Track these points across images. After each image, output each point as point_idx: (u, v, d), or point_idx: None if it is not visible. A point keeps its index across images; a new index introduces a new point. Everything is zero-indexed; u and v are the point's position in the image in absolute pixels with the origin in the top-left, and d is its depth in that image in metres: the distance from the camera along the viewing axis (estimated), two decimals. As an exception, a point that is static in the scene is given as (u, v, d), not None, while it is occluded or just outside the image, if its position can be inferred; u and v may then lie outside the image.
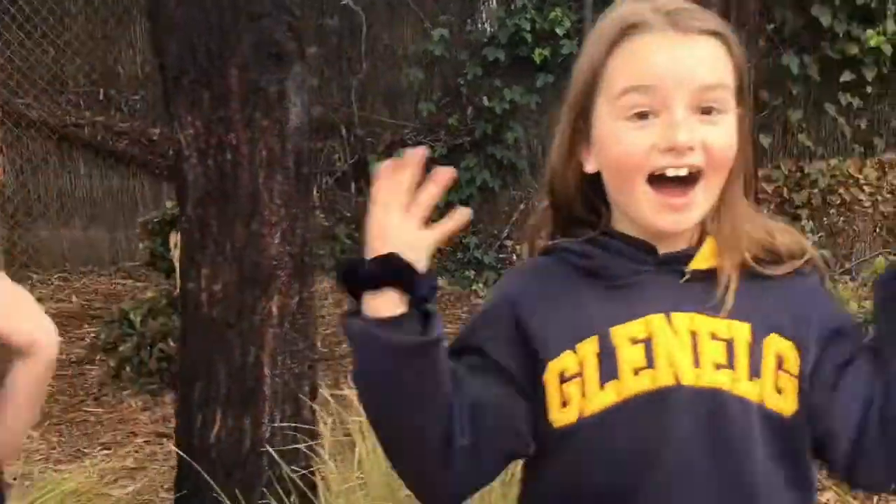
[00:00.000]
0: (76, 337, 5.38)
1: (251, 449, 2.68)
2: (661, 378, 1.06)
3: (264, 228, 2.55)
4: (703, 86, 1.05)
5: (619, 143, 1.06)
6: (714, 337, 1.08)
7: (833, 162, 6.69)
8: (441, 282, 6.50)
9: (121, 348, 4.28)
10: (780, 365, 1.08)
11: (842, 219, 6.81)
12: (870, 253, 6.75)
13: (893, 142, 6.72)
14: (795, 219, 6.75)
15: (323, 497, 2.69)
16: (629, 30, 1.06)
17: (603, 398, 1.06)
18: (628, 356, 1.06)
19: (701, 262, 1.11)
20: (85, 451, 3.98)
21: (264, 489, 2.74)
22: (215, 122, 2.46)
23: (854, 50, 6.19)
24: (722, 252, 1.11)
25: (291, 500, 2.71)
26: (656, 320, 1.08)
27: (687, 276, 1.10)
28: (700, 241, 1.12)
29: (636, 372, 1.06)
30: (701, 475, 1.06)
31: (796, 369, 1.09)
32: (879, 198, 6.75)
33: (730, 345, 1.07)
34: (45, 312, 1.31)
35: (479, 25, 6.36)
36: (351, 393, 3.08)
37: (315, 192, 6.67)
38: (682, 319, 1.08)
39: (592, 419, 1.06)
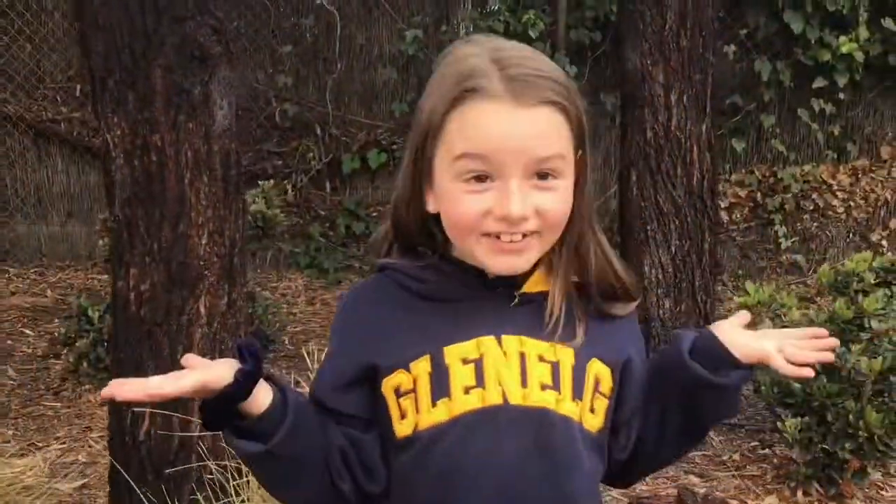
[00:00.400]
0: (45, 331, 5.42)
1: (180, 447, 2.71)
2: (490, 397, 1.11)
3: (191, 230, 2.57)
4: (538, 158, 1.08)
5: (456, 205, 1.09)
6: (541, 359, 1.13)
7: (806, 167, 6.70)
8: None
9: (78, 344, 4.31)
10: (596, 387, 1.15)
11: (815, 224, 6.82)
12: (843, 259, 6.77)
13: (866, 148, 6.73)
14: (768, 224, 6.78)
15: (254, 493, 2.72)
16: (468, 93, 1.07)
17: (435, 415, 1.11)
18: (459, 375, 1.11)
19: (531, 286, 1.16)
20: (39, 444, 4.01)
21: (193, 486, 2.77)
22: (141, 123, 2.49)
23: (826, 56, 6.20)
24: (554, 279, 1.16)
25: (220, 497, 2.74)
26: (487, 341, 1.12)
27: (516, 301, 1.14)
28: (535, 267, 1.16)
29: (466, 391, 1.10)
30: (531, 490, 1.11)
31: (609, 391, 1.17)
32: (852, 203, 6.76)
33: (556, 367, 1.13)
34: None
35: (454, 27, 6.37)
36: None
37: (290, 190, 6.70)
38: (511, 341, 1.13)
39: (427, 433, 1.11)
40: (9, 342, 5.27)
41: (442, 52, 1.15)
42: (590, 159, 1.18)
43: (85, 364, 4.36)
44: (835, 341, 1.20)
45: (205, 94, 2.52)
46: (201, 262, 2.60)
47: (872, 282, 3.60)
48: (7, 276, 6.63)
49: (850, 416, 3.24)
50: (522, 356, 1.12)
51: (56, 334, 5.11)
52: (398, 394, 1.13)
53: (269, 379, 1.12)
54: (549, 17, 6.33)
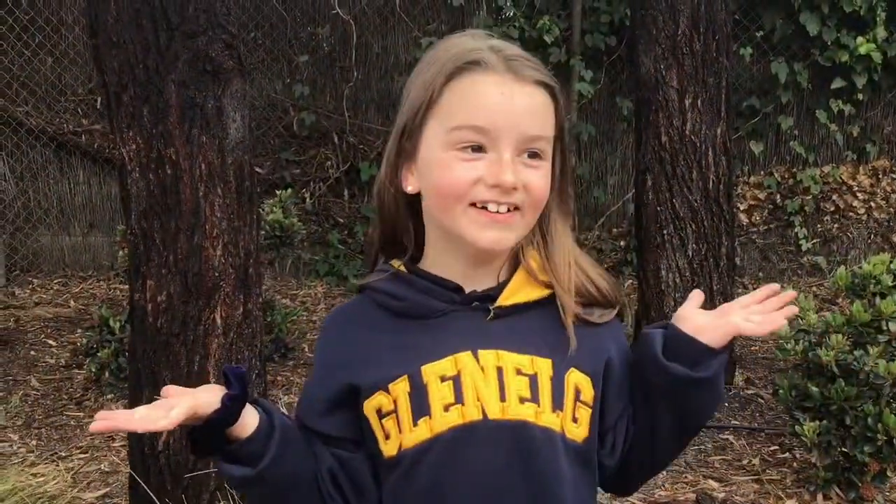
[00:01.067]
0: (68, 342, 5.48)
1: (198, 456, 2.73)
2: (469, 413, 1.12)
3: (206, 241, 2.60)
4: (530, 136, 1.11)
5: (449, 172, 1.11)
6: (519, 372, 1.13)
7: (826, 169, 6.66)
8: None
9: (99, 354, 4.36)
10: (577, 397, 1.15)
11: (836, 226, 6.78)
12: (864, 260, 6.72)
13: (886, 148, 6.68)
14: (789, 226, 6.74)
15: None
16: (469, 66, 1.11)
17: (417, 434, 1.12)
18: (438, 393, 1.12)
19: (507, 297, 1.17)
20: (62, 454, 4.06)
21: (212, 494, 2.80)
22: (155, 137, 2.52)
23: (844, 57, 6.16)
24: (559, 290, 1.18)
25: (239, 505, 2.77)
26: (464, 357, 1.13)
27: (492, 314, 1.16)
28: (509, 278, 1.18)
29: (446, 408, 1.12)
30: (516, 502, 1.12)
31: (591, 400, 1.17)
32: (873, 204, 6.71)
33: (533, 379, 1.13)
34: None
35: (469, 34, 6.39)
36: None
37: (308, 198, 6.75)
38: (488, 356, 1.14)
39: (411, 451, 1.13)
40: (32, 353, 5.34)
41: (430, 46, 1.19)
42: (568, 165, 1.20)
43: (107, 374, 4.41)
44: (792, 293, 1.20)
45: (218, 107, 2.56)
46: (216, 273, 2.63)
47: (890, 284, 3.57)
48: (31, 286, 6.72)
49: (869, 420, 3.22)
50: (500, 370, 1.13)
51: (78, 344, 5.18)
52: (380, 415, 1.15)
53: (255, 403, 1.13)
54: (564, 23, 6.34)
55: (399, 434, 1.13)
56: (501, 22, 6.31)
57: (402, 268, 1.19)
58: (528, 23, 6.30)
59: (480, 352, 1.14)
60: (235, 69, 2.56)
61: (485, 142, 1.10)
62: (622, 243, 6.71)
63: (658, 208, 4.57)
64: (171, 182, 2.55)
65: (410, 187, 1.17)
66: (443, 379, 1.12)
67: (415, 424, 1.12)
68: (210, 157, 2.56)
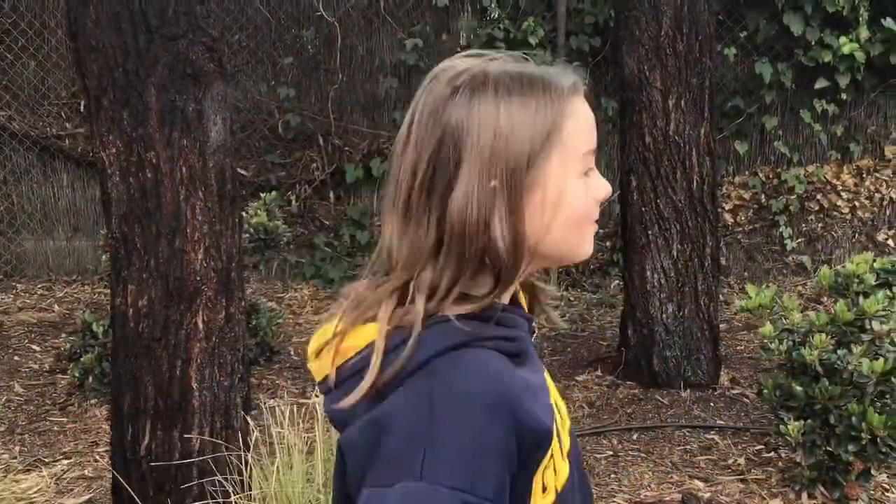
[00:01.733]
0: (52, 347, 5.45)
1: (181, 461, 2.72)
2: (565, 428, 1.10)
3: (187, 245, 2.59)
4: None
5: (583, 199, 1.04)
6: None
7: (810, 168, 6.69)
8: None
9: (83, 358, 4.33)
10: None
11: (820, 225, 6.81)
12: (848, 260, 6.76)
13: (870, 148, 6.71)
14: (773, 226, 6.77)
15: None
16: (574, 90, 1.03)
17: (564, 467, 1.06)
18: (558, 419, 1.06)
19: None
20: (45, 460, 4.03)
21: (195, 500, 2.79)
22: (135, 140, 2.51)
23: (827, 57, 6.19)
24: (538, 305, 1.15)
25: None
26: (550, 384, 1.09)
27: (535, 333, 1.13)
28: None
29: (559, 435, 1.06)
30: None
31: None
32: (857, 204, 6.74)
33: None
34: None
35: (454, 35, 6.39)
36: (285, 404, 3.14)
37: (294, 200, 6.73)
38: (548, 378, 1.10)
39: (562, 493, 1.04)
40: (16, 358, 5.31)
41: (477, 79, 0.99)
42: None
43: (90, 379, 4.38)
44: None
45: (198, 111, 2.54)
46: (198, 277, 2.62)
47: (873, 283, 3.59)
48: (14, 291, 6.68)
49: (853, 418, 3.23)
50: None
51: (62, 349, 5.15)
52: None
53: None
54: (549, 24, 6.34)
55: (554, 476, 1.03)
56: (486, 23, 6.31)
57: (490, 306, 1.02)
58: (512, 24, 6.31)
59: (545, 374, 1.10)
60: (216, 72, 2.55)
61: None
62: (608, 244, 6.72)
63: (643, 209, 4.58)
64: (151, 186, 2.54)
65: (538, 223, 1.01)
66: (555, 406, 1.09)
67: (563, 458, 1.06)
68: (191, 160, 2.54)
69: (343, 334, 0.97)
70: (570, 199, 1.02)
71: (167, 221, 2.56)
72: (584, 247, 1.06)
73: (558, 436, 1.03)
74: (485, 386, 0.90)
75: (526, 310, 1.11)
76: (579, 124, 1.02)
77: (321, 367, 1.00)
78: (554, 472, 1.02)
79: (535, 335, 1.12)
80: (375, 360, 0.92)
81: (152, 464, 2.71)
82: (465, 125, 0.96)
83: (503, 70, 1.00)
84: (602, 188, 1.05)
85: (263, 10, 6.53)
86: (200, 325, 2.65)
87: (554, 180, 1.00)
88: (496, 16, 6.28)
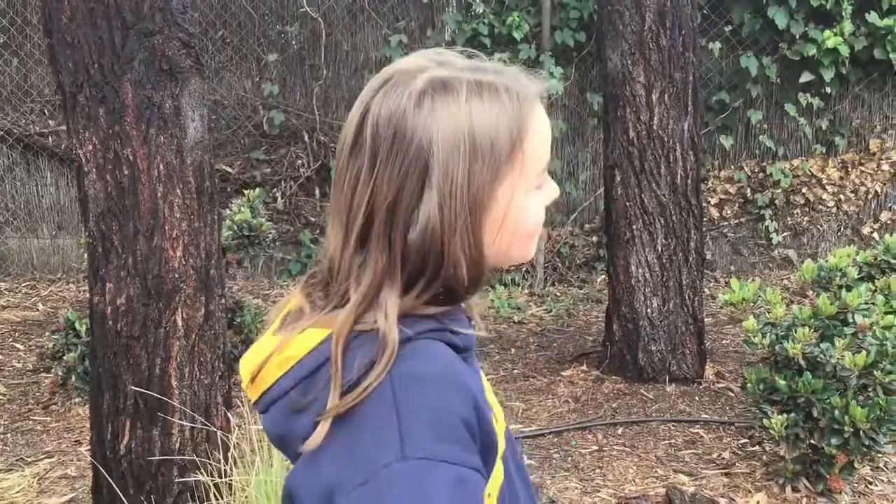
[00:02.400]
0: (36, 345, 5.42)
1: (161, 459, 2.70)
2: (501, 431, 1.05)
3: (166, 242, 2.57)
4: None
5: (537, 212, 1.03)
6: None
7: (795, 162, 6.70)
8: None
9: (66, 357, 4.31)
10: None
11: (806, 219, 6.82)
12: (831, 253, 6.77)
13: (855, 141, 6.73)
14: (759, 219, 6.78)
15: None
16: (537, 103, 1.00)
17: (498, 468, 1.01)
18: (493, 421, 1.01)
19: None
20: (28, 459, 4.00)
21: (175, 499, 2.77)
22: (112, 137, 2.48)
23: (812, 51, 6.20)
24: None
25: (203, 509, 2.74)
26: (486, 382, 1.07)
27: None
28: None
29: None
30: None
31: None
32: (843, 197, 6.76)
33: None
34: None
35: (439, 30, 6.37)
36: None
37: (280, 197, 6.70)
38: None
39: (499, 496, 1.00)
40: (0, 357, 5.27)
41: (438, 84, 0.95)
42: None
43: (73, 378, 4.35)
44: None
45: (176, 107, 2.52)
46: (177, 275, 2.60)
47: (856, 277, 3.60)
48: (-1, 290, 6.64)
49: (836, 412, 3.24)
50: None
51: (45, 348, 5.11)
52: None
53: None
54: (534, 19, 6.33)
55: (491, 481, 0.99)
56: (471, 18, 6.29)
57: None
58: (497, 19, 6.29)
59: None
60: (193, 68, 2.53)
61: None
62: (594, 239, 6.72)
63: (627, 203, 4.57)
64: (128, 183, 2.52)
65: (494, 238, 0.99)
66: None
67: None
68: (168, 157, 2.52)
69: (282, 347, 0.94)
70: (527, 215, 1.00)
71: (145, 219, 2.54)
72: (531, 252, 1.05)
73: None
74: (442, 368, 0.91)
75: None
76: (539, 139, 1.00)
77: (258, 386, 0.96)
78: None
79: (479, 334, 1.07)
80: (336, 377, 0.88)
81: (133, 462, 2.69)
82: (430, 143, 0.92)
83: (467, 78, 0.96)
84: (552, 194, 1.04)
85: (247, 6, 6.49)
86: (179, 323, 2.63)
87: (515, 198, 0.98)
88: (481, 11, 6.26)
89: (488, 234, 0.97)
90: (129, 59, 2.44)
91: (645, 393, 4.47)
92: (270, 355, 0.94)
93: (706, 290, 5.70)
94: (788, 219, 6.81)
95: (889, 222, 6.77)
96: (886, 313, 3.38)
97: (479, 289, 1.00)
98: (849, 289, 3.49)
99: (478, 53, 1.04)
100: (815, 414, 3.30)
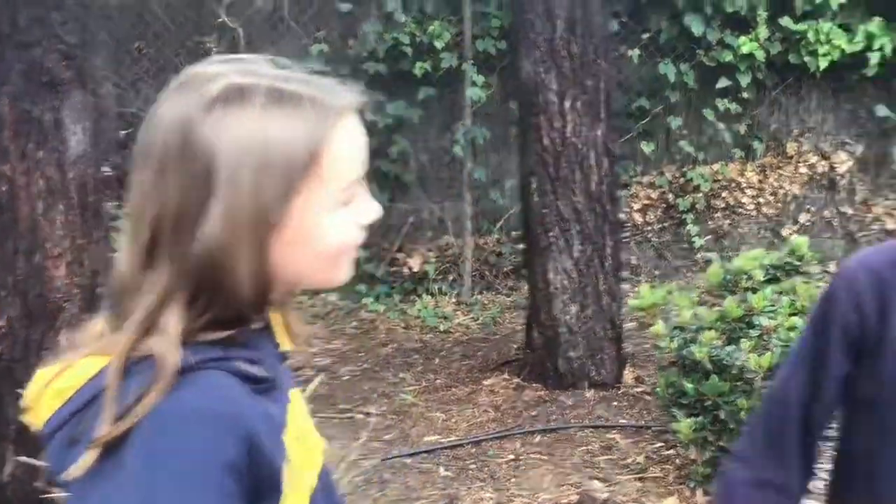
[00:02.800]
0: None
1: (46, 487, 2.61)
2: (312, 467, 1.01)
3: (48, 261, 2.49)
4: None
5: (343, 231, 0.95)
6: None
7: (715, 167, 6.80)
8: (332, 297, 6.46)
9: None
10: None
11: (727, 222, 6.93)
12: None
13: (773, 145, 6.86)
14: (681, 224, 6.86)
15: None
16: (345, 114, 0.93)
17: None
18: (297, 457, 0.97)
19: (284, 342, 1.04)
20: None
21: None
22: (-13, 153, 2.40)
23: (728, 57, 6.30)
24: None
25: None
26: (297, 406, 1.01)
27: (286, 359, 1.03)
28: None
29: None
30: None
31: None
32: (762, 200, 6.88)
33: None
34: None
35: (360, 40, 6.33)
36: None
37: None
38: (298, 396, 1.02)
39: None
40: None
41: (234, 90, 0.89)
42: None
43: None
44: None
45: (56, 120, 2.44)
46: (60, 294, 2.52)
47: (762, 279, 3.64)
48: None
49: (742, 413, 3.26)
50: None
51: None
52: None
53: None
54: (455, 28, 6.33)
55: None
56: (392, 28, 6.26)
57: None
58: (419, 28, 6.28)
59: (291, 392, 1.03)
60: (75, 80, 2.45)
61: None
62: (521, 246, 6.73)
63: (543, 210, 4.58)
64: (6, 200, 2.43)
65: (281, 259, 0.93)
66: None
67: None
68: (49, 172, 2.44)
69: (61, 372, 0.87)
70: (324, 236, 0.94)
71: (24, 236, 2.46)
72: (339, 276, 0.98)
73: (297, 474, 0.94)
74: (216, 404, 0.84)
75: (280, 336, 1.02)
76: (345, 152, 0.94)
77: (39, 417, 0.88)
78: None
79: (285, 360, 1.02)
80: (108, 405, 0.82)
81: (17, 490, 2.59)
82: (217, 154, 0.86)
83: (267, 86, 0.90)
84: (369, 213, 0.97)
85: (162, 17, 6.38)
86: (64, 344, 2.54)
87: (309, 218, 0.92)
88: (402, 20, 6.24)
89: (280, 252, 0.91)
90: (7, 71, 2.36)
91: (564, 399, 4.48)
92: (48, 384, 0.88)
93: (630, 294, 5.74)
94: (710, 222, 6.91)
95: (808, 224, 6.90)
96: (791, 315, 3.43)
97: (265, 311, 0.95)
98: (754, 291, 3.53)
99: (289, 64, 0.99)
100: (722, 416, 3.32)
